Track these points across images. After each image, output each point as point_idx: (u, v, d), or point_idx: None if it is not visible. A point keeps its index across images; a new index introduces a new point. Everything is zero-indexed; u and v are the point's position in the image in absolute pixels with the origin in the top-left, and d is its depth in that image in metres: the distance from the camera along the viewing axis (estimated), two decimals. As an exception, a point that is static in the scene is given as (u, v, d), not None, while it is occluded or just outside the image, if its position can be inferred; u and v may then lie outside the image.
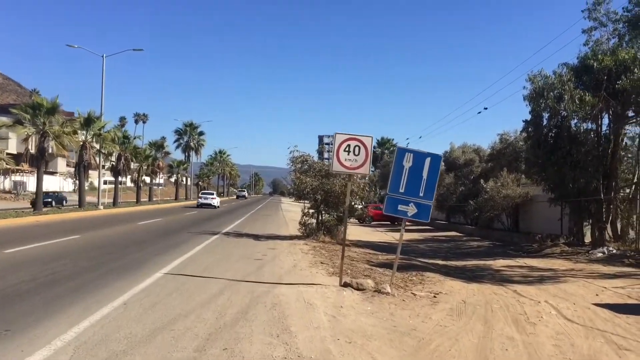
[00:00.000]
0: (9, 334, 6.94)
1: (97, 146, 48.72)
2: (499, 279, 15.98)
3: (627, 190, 24.59)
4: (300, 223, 25.51)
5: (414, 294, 11.64)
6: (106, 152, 50.99)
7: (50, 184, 78.88)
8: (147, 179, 79.65)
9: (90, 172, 58.97)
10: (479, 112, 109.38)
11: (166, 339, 7.09)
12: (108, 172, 61.83)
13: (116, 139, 53.25)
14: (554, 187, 25.49)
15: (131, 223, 31.52)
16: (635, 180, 24.27)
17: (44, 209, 42.08)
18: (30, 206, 45.15)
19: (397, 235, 34.37)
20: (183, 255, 16.47)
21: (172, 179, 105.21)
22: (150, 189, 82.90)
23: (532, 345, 8.10)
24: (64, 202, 63.63)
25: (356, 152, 11.89)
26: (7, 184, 78.13)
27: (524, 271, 18.14)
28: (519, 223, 35.52)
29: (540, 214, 31.63)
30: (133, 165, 65.82)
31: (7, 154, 65.74)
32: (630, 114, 23.55)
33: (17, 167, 70.47)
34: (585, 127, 24.12)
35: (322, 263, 15.89)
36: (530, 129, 25.56)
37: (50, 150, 40.64)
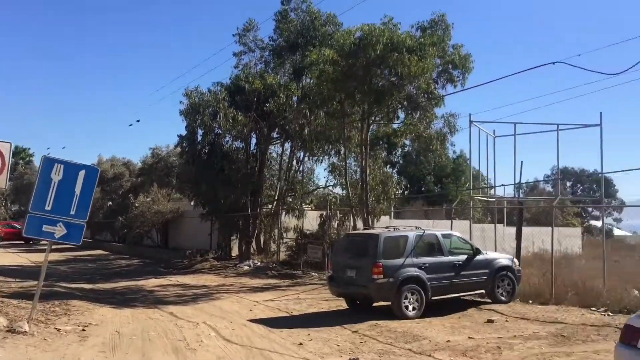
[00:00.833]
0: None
1: None
2: (153, 300, 14.81)
3: (270, 206, 26.39)
4: None
5: (59, 330, 9.54)
6: None
7: None
8: None
9: None
10: (131, 125, 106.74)
11: None
12: None
13: None
14: (205, 203, 25.72)
15: None
16: (276, 196, 26.20)
17: None
18: None
19: (33, 256, 30.04)
20: None
21: None
22: None
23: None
24: None
25: (-14, 161, 9.40)
26: None
27: (178, 290, 17.38)
28: (169, 239, 35.06)
29: (191, 230, 31.70)
30: None
31: None
32: (275, 135, 25.40)
33: None
34: (237, 146, 25.08)
35: None
36: (185, 144, 25.36)
37: None
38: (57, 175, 9.43)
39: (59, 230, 9.47)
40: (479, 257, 12.81)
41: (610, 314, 11.98)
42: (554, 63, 11.90)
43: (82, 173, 9.68)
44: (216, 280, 19.85)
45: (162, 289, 17.64)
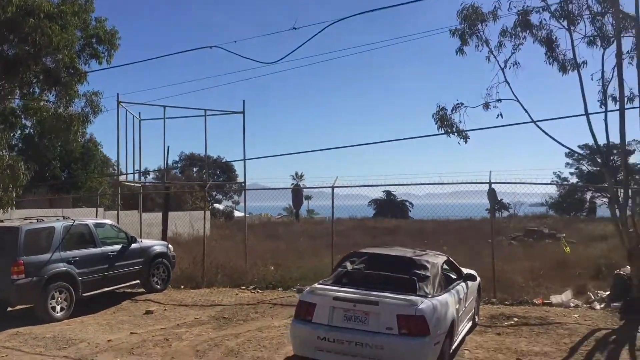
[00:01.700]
0: None
1: None
2: None
3: None
4: None
5: None
6: None
7: None
8: None
9: None
10: None
11: None
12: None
13: None
14: None
15: None
16: None
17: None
18: None
19: None
20: None
21: None
22: None
23: None
24: None
25: None
26: None
27: None
28: None
29: None
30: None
31: None
32: None
33: None
34: None
35: None
36: None
37: None
38: None
39: None
40: (134, 246, 12.08)
41: (259, 290, 12.83)
42: (211, 47, 11.95)
43: None
44: None
45: None
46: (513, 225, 42.41)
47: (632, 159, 74.15)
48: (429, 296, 6.58)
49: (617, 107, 9.42)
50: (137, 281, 12.18)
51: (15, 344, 8.73)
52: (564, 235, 24.18)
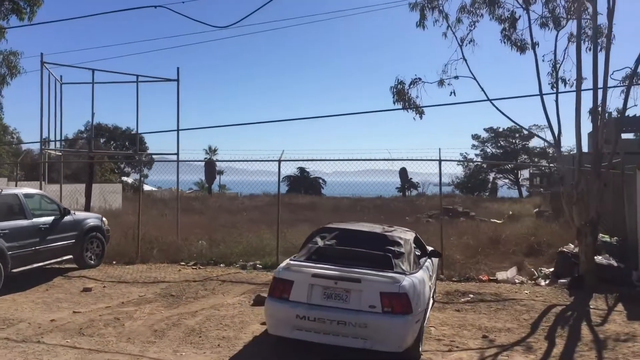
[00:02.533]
0: None
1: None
2: None
3: None
4: None
5: None
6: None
7: None
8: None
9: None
10: None
11: None
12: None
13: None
14: None
15: None
16: None
17: None
18: None
19: None
20: None
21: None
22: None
23: None
24: None
25: None
26: None
27: None
28: None
29: None
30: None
31: None
32: None
33: None
34: None
35: None
36: None
37: None
38: None
39: None
40: (67, 219, 11.23)
41: (200, 267, 12.39)
42: (155, 7, 11.16)
43: None
44: None
45: None
46: (426, 204, 44.08)
47: (532, 143, 78.85)
48: (407, 273, 6.56)
49: (567, 88, 9.80)
50: (70, 256, 11.35)
51: (-60, 325, 7.86)
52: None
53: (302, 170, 73.68)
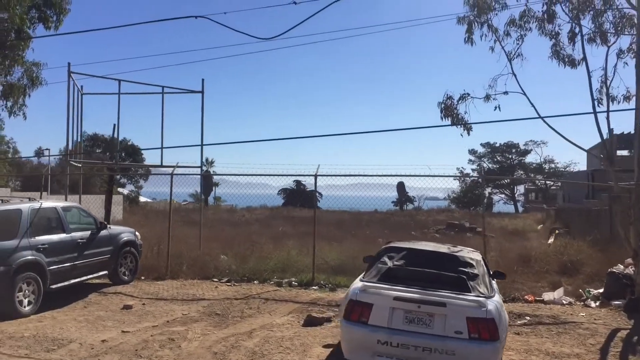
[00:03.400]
0: None
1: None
2: None
3: None
4: None
5: None
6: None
7: None
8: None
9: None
10: None
11: None
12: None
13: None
14: None
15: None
16: None
17: None
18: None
19: None
20: None
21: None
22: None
23: None
24: None
25: None
26: None
27: None
28: None
29: None
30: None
31: None
32: None
33: None
34: None
35: None
36: None
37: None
38: None
39: None
40: (103, 233, 10.94)
41: (235, 283, 12.10)
42: (196, 17, 10.96)
43: None
44: None
45: None
46: (427, 218, 43.90)
47: (528, 158, 79.10)
48: (488, 297, 6.35)
49: (617, 106, 9.68)
50: (106, 272, 11.04)
51: (-11, 344, 7.56)
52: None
53: (298, 183, 73.47)
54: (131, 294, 10.80)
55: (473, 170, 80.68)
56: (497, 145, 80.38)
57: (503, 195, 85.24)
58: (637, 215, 9.51)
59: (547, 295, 10.63)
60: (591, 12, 10.29)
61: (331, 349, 7.40)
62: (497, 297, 6.64)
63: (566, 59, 10.60)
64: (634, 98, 9.98)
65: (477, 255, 7.44)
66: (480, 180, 75.70)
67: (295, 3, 10.52)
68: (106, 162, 18.59)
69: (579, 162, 74.92)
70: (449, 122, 10.34)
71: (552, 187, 76.63)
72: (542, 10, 10.23)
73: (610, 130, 10.47)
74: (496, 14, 10.32)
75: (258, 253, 14.47)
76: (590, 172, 38.42)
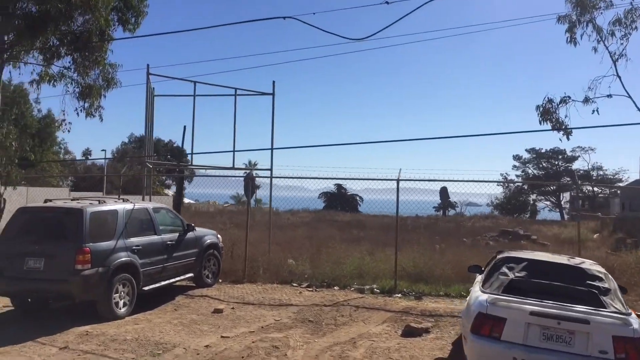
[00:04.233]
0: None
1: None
2: None
3: None
4: None
5: None
6: None
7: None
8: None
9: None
10: None
11: None
12: None
13: None
14: None
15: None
16: None
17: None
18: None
19: None
20: None
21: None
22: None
23: None
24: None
25: None
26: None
27: None
28: None
29: None
30: None
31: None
32: None
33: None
34: None
35: None
36: None
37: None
38: None
39: None
40: (189, 235, 10.89)
41: (317, 289, 11.90)
42: (284, 18, 10.86)
43: None
44: None
45: None
46: (472, 224, 43.01)
47: (575, 165, 77.00)
48: (626, 314, 5.96)
49: None
50: (191, 274, 10.98)
51: (94, 347, 7.52)
52: None
53: (339, 186, 73.20)
54: (217, 298, 10.71)
55: (517, 176, 79.09)
56: (543, 151, 78.42)
57: (548, 203, 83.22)
58: None
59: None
60: None
61: (446, 364, 7.11)
62: (634, 315, 6.24)
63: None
64: None
65: (600, 268, 7.06)
66: (525, 186, 74.32)
67: (387, 3, 10.26)
68: (174, 163, 18.68)
69: (629, 169, 72.63)
70: (548, 126, 9.92)
71: (600, 195, 74.46)
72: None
73: None
74: (601, 13, 9.86)
75: (326, 257, 14.19)
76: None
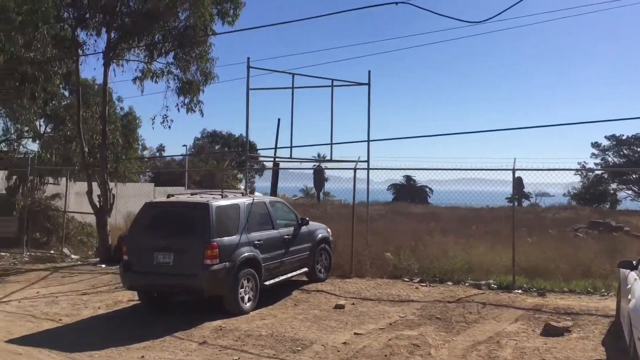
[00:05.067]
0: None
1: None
2: None
3: None
4: None
5: None
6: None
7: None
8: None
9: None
10: None
11: None
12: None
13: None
14: None
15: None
16: None
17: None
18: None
19: None
20: None
21: None
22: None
23: None
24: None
25: None
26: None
27: None
28: None
29: None
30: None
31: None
32: None
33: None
34: None
35: None
36: None
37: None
38: None
39: None
40: (303, 229, 10.75)
41: (430, 284, 11.52)
42: (397, 3, 10.47)
43: None
44: None
45: None
46: (553, 215, 41.25)
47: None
48: None
49: None
50: (306, 269, 10.84)
51: (231, 342, 7.46)
52: None
53: (408, 178, 72.15)
54: (333, 293, 10.52)
55: (596, 164, 75.63)
56: (624, 137, 74.31)
57: (630, 192, 79.09)
58: None
59: None
60: None
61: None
62: None
63: None
64: None
65: None
66: (605, 175, 70.98)
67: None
68: (271, 156, 18.68)
69: None
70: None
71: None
72: None
73: None
74: None
75: (423, 250, 13.74)
76: None
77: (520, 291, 10.88)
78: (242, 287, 8.85)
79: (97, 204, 14.18)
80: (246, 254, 8.91)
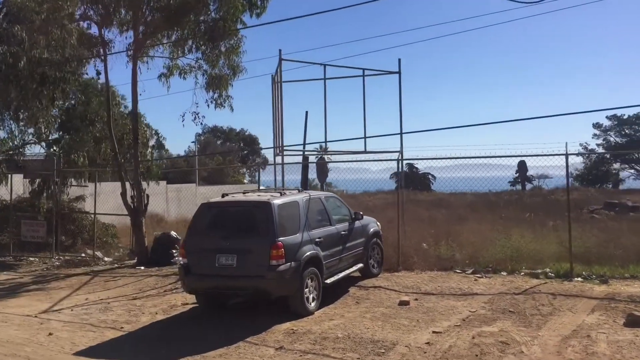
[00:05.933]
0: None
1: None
2: None
3: None
4: None
5: None
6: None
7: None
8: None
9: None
10: None
11: None
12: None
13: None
14: None
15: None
16: None
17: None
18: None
19: None
20: None
21: None
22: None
23: None
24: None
25: None
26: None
27: None
28: None
29: None
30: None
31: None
32: None
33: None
34: None
35: None
36: None
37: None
38: None
39: None
40: (357, 224, 10.41)
41: (486, 275, 11.21)
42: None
43: None
44: None
45: None
46: (560, 197, 40.90)
47: None
48: None
49: None
50: (361, 265, 10.51)
51: (308, 346, 7.15)
52: None
53: (410, 166, 71.82)
54: (392, 288, 10.22)
55: (598, 145, 75.32)
56: (625, 117, 73.87)
57: (632, 171, 78.85)
58: None
59: None
60: None
61: None
62: None
63: None
64: None
65: None
66: (608, 155, 70.77)
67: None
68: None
69: None
70: None
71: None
72: None
73: None
74: None
75: (455, 239, 13.43)
76: None
77: (580, 279, 10.59)
78: (306, 287, 8.51)
79: (131, 204, 13.80)
80: (309, 253, 8.59)
